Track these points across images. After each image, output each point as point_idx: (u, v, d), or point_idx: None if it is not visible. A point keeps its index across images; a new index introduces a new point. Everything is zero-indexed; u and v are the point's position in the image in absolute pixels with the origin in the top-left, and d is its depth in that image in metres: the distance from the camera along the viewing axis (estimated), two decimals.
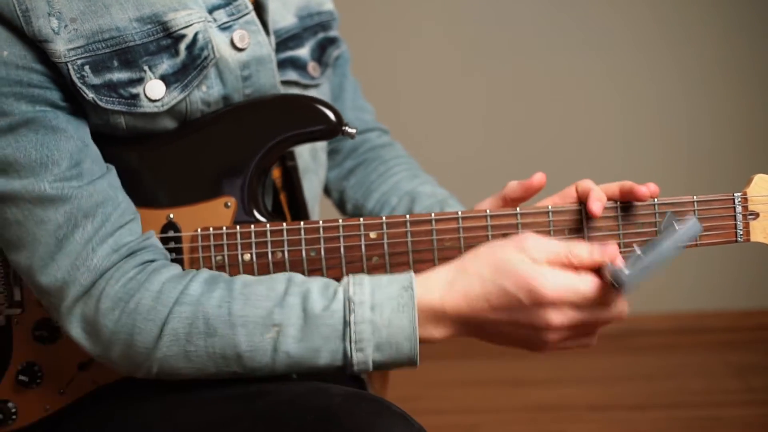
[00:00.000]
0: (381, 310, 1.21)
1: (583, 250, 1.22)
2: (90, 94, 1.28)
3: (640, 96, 3.60)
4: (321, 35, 1.60)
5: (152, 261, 1.29)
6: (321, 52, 1.59)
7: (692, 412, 3.17)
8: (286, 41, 1.51)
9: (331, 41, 1.63)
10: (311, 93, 1.55)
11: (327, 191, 1.79)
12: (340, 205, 1.77)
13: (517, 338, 1.24)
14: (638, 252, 1.22)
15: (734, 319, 3.72)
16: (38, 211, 1.25)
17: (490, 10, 3.55)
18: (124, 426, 1.33)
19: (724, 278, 3.68)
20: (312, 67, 1.56)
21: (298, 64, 1.53)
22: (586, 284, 1.21)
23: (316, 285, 1.24)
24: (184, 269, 1.37)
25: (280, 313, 1.22)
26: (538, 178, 1.39)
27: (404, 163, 1.73)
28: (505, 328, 1.23)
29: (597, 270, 1.23)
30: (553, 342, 1.23)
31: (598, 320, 1.24)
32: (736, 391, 3.30)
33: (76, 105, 1.31)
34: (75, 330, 1.28)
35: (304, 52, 1.55)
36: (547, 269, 1.21)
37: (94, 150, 1.31)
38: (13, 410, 1.41)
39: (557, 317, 1.21)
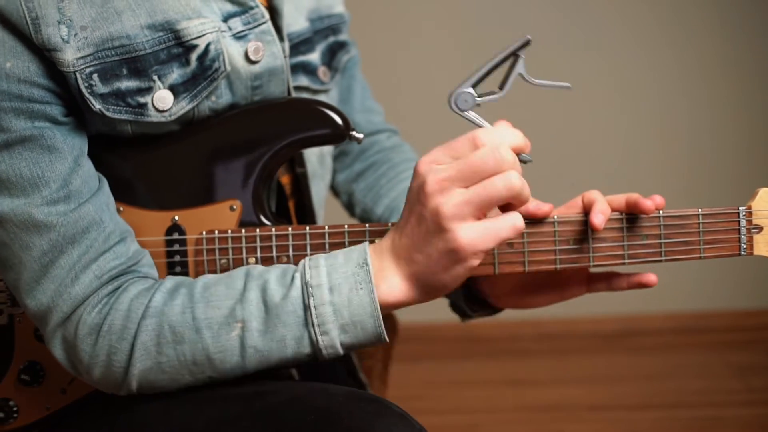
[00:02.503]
0: (339, 291, 1.20)
1: None
2: (97, 105, 1.27)
3: (642, 98, 3.60)
4: (331, 39, 1.60)
5: (124, 283, 1.29)
6: (331, 56, 1.59)
7: (692, 412, 3.18)
8: (297, 45, 1.50)
9: (341, 45, 1.62)
10: (320, 98, 1.54)
11: (336, 192, 1.78)
12: (349, 207, 1.76)
13: (430, 246, 1.17)
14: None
15: (734, 319, 3.72)
16: (24, 236, 1.25)
17: (491, 10, 3.55)
18: (124, 425, 1.32)
19: (724, 278, 3.68)
20: (322, 71, 1.55)
21: (309, 69, 1.52)
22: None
23: (274, 274, 1.24)
24: (188, 272, 1.38)
25: (241, 310, 1.22)
26: (545, 210, 1.35)
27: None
28: (417, 244, 1.19)
29: None
30: (457, 214, 1.15)
31: (474, 162, 1.16)
32: (736, 391, 3.31)
33: (77, 118, 1.30)
34: (58, 353, 1.28)
35: (314, 56, 1.54)
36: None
37: (85, 169, 1.29)
38: (15, 409, 1.41)
39: (433, 176, 1.17)
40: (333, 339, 1.20)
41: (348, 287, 1.20)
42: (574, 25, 3.56)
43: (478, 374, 3.45)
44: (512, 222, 1.17)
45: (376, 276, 1.21)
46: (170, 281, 1.28)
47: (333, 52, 1.59)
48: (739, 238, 1.36)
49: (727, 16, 3.53)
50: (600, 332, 3.67)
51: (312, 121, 1.40)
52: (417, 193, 1.19)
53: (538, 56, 3.53)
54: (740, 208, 1.36)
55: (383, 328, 1.20)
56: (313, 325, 1.19)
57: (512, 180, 1.15)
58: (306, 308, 1.20)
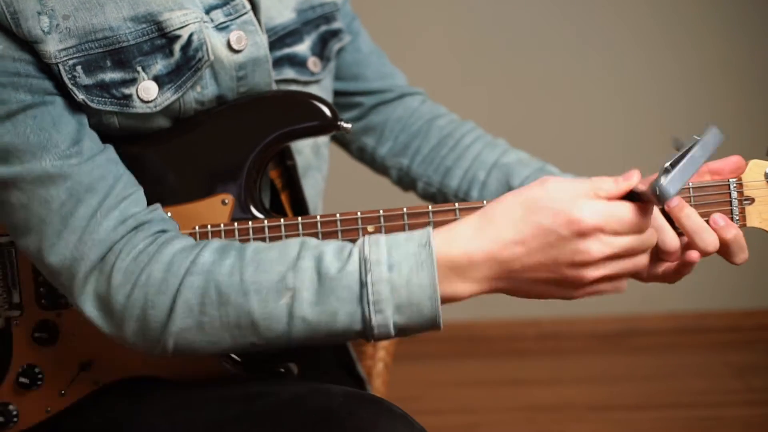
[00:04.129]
0: (399, 269, 1.16)
1: (608, 183, 1.17)
2: (80, 96, 1.28)
3: (641, 97, 3.61)
4: (323, 28, 1.58)
5: (163, 231, 1.27)
6: (323, 46, 1.58)
7: (692, 412, 3.18)
8: (283, 38, 1.50)
9: (334, 34, 1.60)
10: (311, 89, 1.53)
11: (382, 169, 1.75)
12: (404, 182, 1.73)
13: (555, 281, 1.16)
14: (667, 165, 1.17)
15: (734, 319, 3.72)
16: (41, 191, 1.24)
17: (490, 11, 3.56)
18: (125, 426, 1.32)
19: (724, 278, 3.68)
20: (312, 62, 1.54)
21: (295, 61, 1.52)
22: (623, 208, 1.16)
23: (331, 247, 1.20)
24: None
25: (294, 277, 1.18)
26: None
27: (472, 131, 1.69)
28: (542, 273, 1.16)
29: (628, 197, 1.19)
30: (591, 280, 1.15)
31: (637, 247, 1.17)
32: (736, 391, 3.31)
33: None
34: (89, 308, 1.25)
35: (303, 47, 1.53)
36: (582, 200, 1.15)
37: (91, 133, 1.29)
38: (15, 413, 1.41)
39: (598, 247, 1.14)
40: (387, 318, 1.16)
41: (408, 267, 1.16)
42: (574, 25, 3.57)
43: (478, 374, 3.44)
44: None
45: (455, 276, 1.18)
46: (218, 241, 1.25)
47: (324, 42, 1.58)
48: (731, 210, 1.37)
49: (727, 16, 3.54)
50: (600, 332, 3.68)
51: (300, 113, 1.40)
52: (568, 240, 1.15)
53: (539, 56, 3.56)
54: (731, 180, 1.36)
55: (440, 312, 1.16)
56: (368, 303, 1.15)
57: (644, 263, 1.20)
58: (362, 284, 1.16)
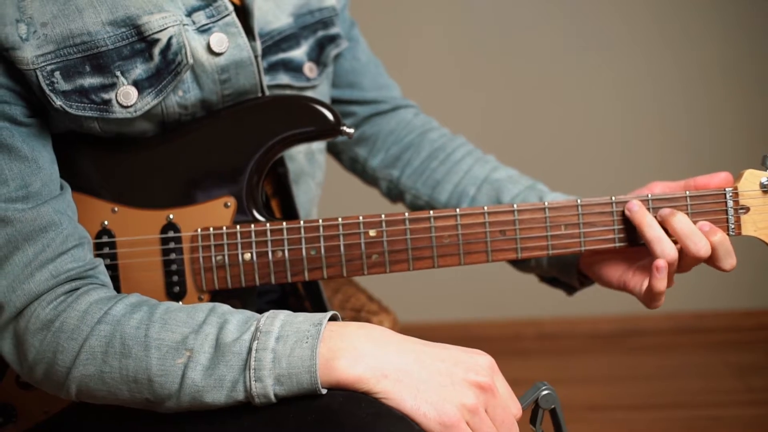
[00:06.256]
0: (285, 341, 1.17)
1: None
2: (58, 102, 1.28)
3: (640, 99, 3.60)
4: (321, 33, 1.58)
5: (85, 286, 1.28)
6: (320, 51, 1.58)
7: (692, 412, 3.17)
8: (278, 43, 1.50)
9: (331, 39, 1.60)
10: (307, 95, 1.54)
11: (372, 180, 1.76)
12: (392, 193, 1.74)
13: (445, 374, 1.17)
14: None
15: (734, 319, 3.72)
16: None
17: (489, 10, 3.56)
18: (126, 426, 1.32)
19: (723, 278, 3.66)
20: (308, 67, 1.55)
21: (290, 66, 1.52)
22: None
23: (236, 317, 1.22)
24: (184, 269, 1.39)
25: (194, 340, 1.20)
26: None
27: (463, 146, 1.70)
28: (437, 362, 1.19)
29: None
30: (474, 403, 1.15)
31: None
32: (736, 391, 3.31)
33: (40, 120, 1.31)
34: (6, 347, 1.28)
35: (299, 53, 1.53)
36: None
37: (47, 172, 1.29)
38: (13, 413, 1.41)
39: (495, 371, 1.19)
40: (266, 387, 1.16)
41: (295, 339, 1.17)
42: (573, 27, 3.57)
43: None
44: None
45: (345, 351, 1.17)
46: (135, 297, 1.27)
47: (321, 47, 1.58)
48: (727, 218, 1.38)
49: (726, 16, 3.54)
50: (600, 332, 3.69)
51: (302, 117, 1.41)
52: (470, 366, 1.18)
53: (537, 56, 3.55)
54: (726, 189, 1.38)
55: (320, 385, 1.15)
56: (249, 369, 1.17)
57: None
58: (249, 351, 1.17)
